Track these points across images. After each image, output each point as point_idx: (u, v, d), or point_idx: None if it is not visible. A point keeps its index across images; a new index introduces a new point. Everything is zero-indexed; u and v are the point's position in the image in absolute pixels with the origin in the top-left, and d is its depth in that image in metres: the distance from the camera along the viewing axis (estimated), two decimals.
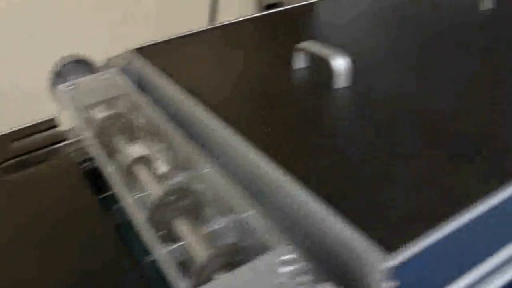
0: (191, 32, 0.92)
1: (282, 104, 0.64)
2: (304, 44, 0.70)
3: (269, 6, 1.22)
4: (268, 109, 0.63)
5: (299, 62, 0.72)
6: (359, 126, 0.57)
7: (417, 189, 0.46)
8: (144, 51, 0.84)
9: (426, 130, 0.56)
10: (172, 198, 0.55)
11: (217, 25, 0.96)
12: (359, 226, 0.41)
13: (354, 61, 0.68)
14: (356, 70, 0.69)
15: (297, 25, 0.94)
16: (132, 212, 0.53)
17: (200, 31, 0.92)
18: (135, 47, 0.86)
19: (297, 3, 1.10)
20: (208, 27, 0.94)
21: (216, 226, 0.52)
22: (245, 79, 0.72)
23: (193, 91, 0.68)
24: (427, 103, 0.61)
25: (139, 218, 0.51)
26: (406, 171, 0.49)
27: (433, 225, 0.41)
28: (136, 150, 0.63)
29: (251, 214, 0.47)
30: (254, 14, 1.03)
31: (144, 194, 0.58)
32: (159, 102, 0.72)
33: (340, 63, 0.65)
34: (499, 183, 0.45)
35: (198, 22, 1.25)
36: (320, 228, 0.44)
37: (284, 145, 0.55)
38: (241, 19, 0.98)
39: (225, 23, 0.97)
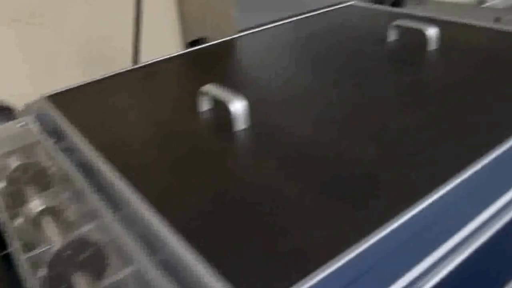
0: (105, 76, 0.92)
1: (180, 150, 0.65)
2: (206, 88, 0.72)
3: (193, 42, 1.24)
4: (165, 157, 0.64)
5: (203, 105, 0.73)
6: (248, 172, 0.59)
7: (291, 240, 0.48)
8: (56, 98, 0.84)
9: (315, 173, 0.57)
10: (70, 251, 0.55)
11: (133, 67, 0.97)
12: (229, 280, 0.42)
13: (258, 101, 0.69)
14: (260, 110, 0.71)
15: (213, 64, 0.95)
16: (24, 270, 0.53)
17: (115, 74, 0.93)
18: (48, 94, 0.86)
19: (221, 37, 1.13)
20: (123, 70, 0.95)
21: (115, 278, 0.52)
22: (150, 125, 0.73)
23: (97, 140, 0.68)
24: (323, 143, 0.63)
25: (29, 276, 0.51)
26: (285, 221, 0.50)
27: (300, 277, 0.42)
28: (40, 202, 0.63)
29: (146, 266, 0.48)
30: (174, 52, 1.04)
31: (47, 248, 0.58)
32: (68, 150, 0.72)
33: (237, 107, 0.66)
34: (368, 230, 0.47)
35: (122, 62, 1.25)
36: (198, 282, 0.45)
37: (174, 196, 0.56)
38: (159, 59, 1.00)
39: (144, 64, 0.98)
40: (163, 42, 1.30)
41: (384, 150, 0.61)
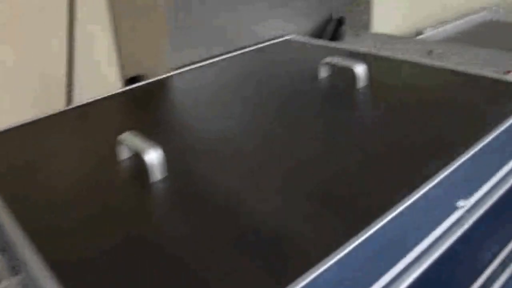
0: (33, 119, 0.90)
1: (92, 205, 0.62)
2: (123, 136, 0.70)
3: (131, 79, 1.22)
4: (76, 213, 0.61)
5: (123, 153, 0.71)
6: (158, 229, 0.57)
7: None
8: None
9: (227, 227, 0.56)
10: None
11: (63, 110, 0.94)
12: None
13: (183, 148, 0.68)
14: (182, 158, 0.70)
15: (143, 106, 0.94)
16: None
17: (44, 118, 0.90)
18: None
19: (157, 75, 1.11)
20: (52, 113, 0.92)
21: None
22: (67, 176, 0.70)
23: (8, 194, 0.66)
24: (240, 195, 0.62)
25: None
26: (194, 279, 0.49)
27: None
28: None
29: None
30: (106, 93, 1.02)
31: None
32: None
33: (152, 157, 0.65)
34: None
35: (56, 102, 1.23)
36: None
37: (80, 260, 0.54)
38: (90, 100, 0.98)
39: (75, 105, 0.96)
40: (103, 78, 1.28)
41: (301, 199, 0.60)
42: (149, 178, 0.66)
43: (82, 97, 1.20)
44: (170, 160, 0.70)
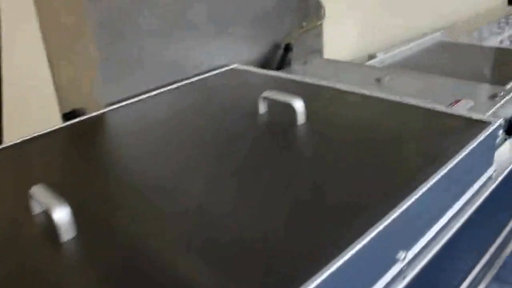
0: None
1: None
2: (34, 190, 0.64)
3: (68, 114, 1.15)
4: None
5: (35, 208, 0.65)
6: None
7: None
8: None
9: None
10: None
11: None
12: None
13: (105, 199, 0.66)
14: (101, 211, 0.65)
15: (72, 148, 0.88)
16: None
17: None
18: None
19: (95, 110, 1.05)
20: None
21: None
22: None
23: None
24: (155, 255, 0.57)
25: None
26: None
27: None
28: None
29: None
30: (35, 133, 0.96)
31: None
32: None
33: (60, 216, 0.59)
34: None
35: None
36: None
37: None
38: (18, 140, 0.91)
39: (3, 146, 0.90)
40: (41, 113, 1.21)
41: (220, 262, 0.54)
42: (59, 237, 0.60)
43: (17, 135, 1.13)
44: (86, 215, 0.64)
